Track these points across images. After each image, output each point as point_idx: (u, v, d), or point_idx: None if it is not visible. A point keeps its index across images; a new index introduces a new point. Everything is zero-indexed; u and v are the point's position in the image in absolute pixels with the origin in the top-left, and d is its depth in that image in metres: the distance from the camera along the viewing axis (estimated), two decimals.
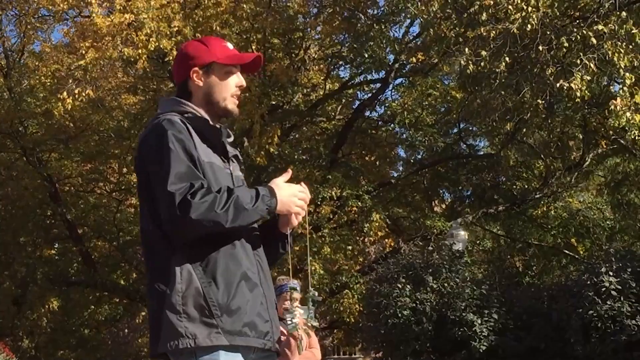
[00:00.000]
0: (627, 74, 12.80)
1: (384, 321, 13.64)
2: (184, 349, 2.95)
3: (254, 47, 18.91)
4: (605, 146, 19.05)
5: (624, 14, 12.81)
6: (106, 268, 24.61)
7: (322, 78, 22.53)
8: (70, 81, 18.00)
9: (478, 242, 23.82)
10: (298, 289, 5.37)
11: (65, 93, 17.37)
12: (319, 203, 19.09)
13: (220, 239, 3.03)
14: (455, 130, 23.14)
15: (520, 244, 23.92)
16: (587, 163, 20.55)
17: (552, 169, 21.19)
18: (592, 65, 12.71)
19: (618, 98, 12.89)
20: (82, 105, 20.04)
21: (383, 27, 19.26)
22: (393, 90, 23.24)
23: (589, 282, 12.78)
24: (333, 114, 23.43)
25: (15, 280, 24.15)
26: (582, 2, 14.09)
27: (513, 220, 23.00)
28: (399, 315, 13.49)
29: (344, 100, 23.74)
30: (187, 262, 2.99)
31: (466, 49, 13.30)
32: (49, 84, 20.65)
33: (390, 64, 20.47)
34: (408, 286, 13.83)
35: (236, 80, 3.30)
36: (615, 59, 12.63)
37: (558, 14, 13.32)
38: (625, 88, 12.86)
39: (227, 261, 3.02)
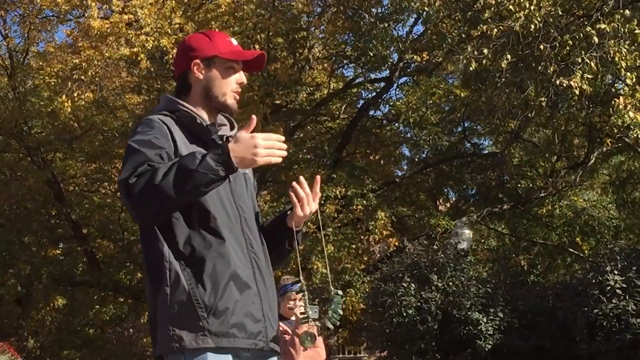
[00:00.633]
0: (629, 74, 12.79)
1: (389, 320, 13.63)
2: (173, 351, 2.93)
3: (257, 47, 18.91)
4: (610, 144, 18.99)
5: (627, 12, 12.80)
6: (111, 268, 24.62)
7: (326, 77, 22.52)
8: (70, 83, 18.02)
9: (483, 240, 23.84)
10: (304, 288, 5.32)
11: (64, 96, 17.42)
12: (323, 202, 19.08)
13: (210, 238, 2.98)
14: (460, 129, 23.13)
15: (525, 243, 23.89)
16: (592, 161, 20.52)
17: (556, 168, 21.16)
18: (592, 63, 12.69)
19: (621, 97, 12.89)
20: (86, 105, 20.08)
21: (387, 25, 19.26)
22: (397, 89, 23.24)
23: (594, 281, 12.76)
24: (337, 113, 23.42)
25: (21, 279, 24.17)
26: (586, 0, 14.07)
27: (518, 219, 22.96)
28: (404, 314, 13.48)
29: (348, 99, 23.73)
30: (176, 263, 2.94)
31: (468, 47, 13.29)
32: (53, 84, 20.66)
33: (394, 62, 20.46)
34: (413, 285, 13.81)
35: (237, 76, 3.23)
36: (617, 58, 12.62)
37: (561, 12, 13.30)
38: (626, 87, 12.86)
39: (215, 261, 2.96)
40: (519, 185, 21.85)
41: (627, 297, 12.36)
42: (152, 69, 19.62)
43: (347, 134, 22.02)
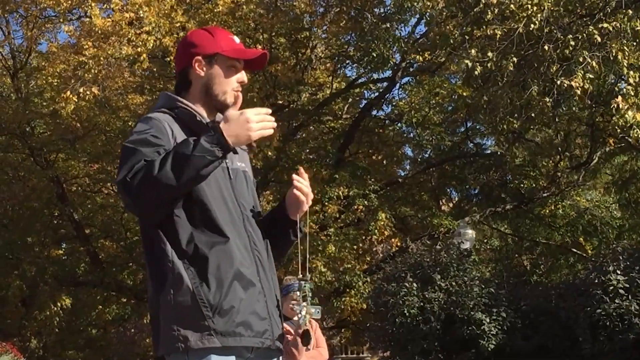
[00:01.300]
0: (632, 73, 12.78)
1: (392, 320, 13.63)
2: (177, 352, 2.89)
3: (259, 47, 18.92)
4: (612, 144, 18.99)
5: (630, 11, 12.79)
6: (114, 268, 24.63)
7: (328, 77, 22.52)
8: (73, 81, 18.04)
9: (486, 240, 23.82)
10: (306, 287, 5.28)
11: (69, 92, 17.42)
12: (325, 202, 19.08)
13: (212, 236, 2.94)
14: (463, 129, 23.13)
15: (527, 243, 23.89)
16: (595, 161, 20.51)
17: (559, 168, 21.16)
18: (594, 63, 12.68)
19: (619, 96, 12.89)
20: (89, 105, 20.10)
21: (389, 25, 19.26)
22: (400, 89, 23.25)
23: (596, 281, 12.76)
24: (340, 113, 23.42)
25: (26, 280, 24.19)
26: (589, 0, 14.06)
27: (520, 219, 22.96)
28: (407, 314, 13.47)
29: (350, 99, 23.74)
30: (179, 262, 2.90)
31: (472, 51, 13.28)
32: (55, 84, 20.67)
33: (397, 62, 20.46)
34: (416, 285, 13.81)
35: (238, 75, 3.18)
36: (620, 57, 12.61)
37: (563, 11, 13.30)
38: (629, 87, 12.84)
39: (219, 259, 2.92)
40: (522, 185, 21.84)
41: (629, 297, 12.36)
42: (154, 69, 19.64)
43: (350, 134, 22.02)
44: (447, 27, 16.70)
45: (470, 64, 13.19)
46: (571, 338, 12.91)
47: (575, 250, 22.99)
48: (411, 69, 21.60)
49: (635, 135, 13.62)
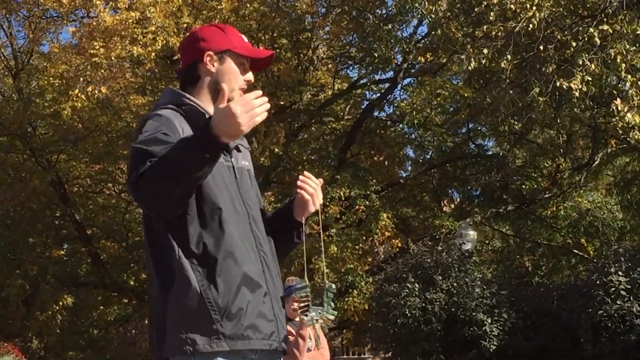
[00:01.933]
0: (629, 76, 12.78)
1: (393, 321, 13.62)
2: (184, 355, 2.84)
3: (261, 47, 18.92)
4: (614, 145, 18.98)
5: (631, 13, 12.79)
6: (115, 268, 24.65)
7: (330, 78, 22.53)
8: (82, 79, 18.06)
9: (487, 241, 23.81)
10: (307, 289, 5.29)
11: (77, 90, 17.43)
12: (327, 203, 19.08)
13: (220, 236, 2.90)
14: (464, 130, 23.12)
15: (529, 244, 23.88)
16: (597, 162, 20.51)
17: (561, 169, 21.15)
18: (593, 65, 12.68)
19: (618, 98, 12.88)
20: (91, 106, 20.11)
21: (391, 26, 19.27)
22: (402, 90, 23.27)
23: (598, 282, 12.76)
24: (342, 113, 23.41)
25: (28, 280, 24.20)
26: (590, 1, 14.06)
27: (522, 220, 22.95)
28: (408, 315, 13.47)
29: (352, 100, 23.73)
30: (187, 263, 2.86)
31: (469, 47, 13.30)
32: (57, 84, 20.69)
33: (398, 63, 20.47)
34: (417, 286, 13.81)
35: (246, 74, 3.15)
36: (619, 60, 12.61)
37: (564, 12, 13.30)
38: (631, 91, 12.84)
39: (226, 261, 2.88)
40: (523, 186, 21.84)
41: (631, 298, 12.36)
42: (156, 70, 19.65)
43: (352, 135, 22.02)
44: (451, 29, 16.71)
45: (465, 60, 13.21)
46: (573, 339, 12.91)
47: (576, 251, 22.98)
48: (413, 70, 21.61)
49: (636, 137, 13.62)
